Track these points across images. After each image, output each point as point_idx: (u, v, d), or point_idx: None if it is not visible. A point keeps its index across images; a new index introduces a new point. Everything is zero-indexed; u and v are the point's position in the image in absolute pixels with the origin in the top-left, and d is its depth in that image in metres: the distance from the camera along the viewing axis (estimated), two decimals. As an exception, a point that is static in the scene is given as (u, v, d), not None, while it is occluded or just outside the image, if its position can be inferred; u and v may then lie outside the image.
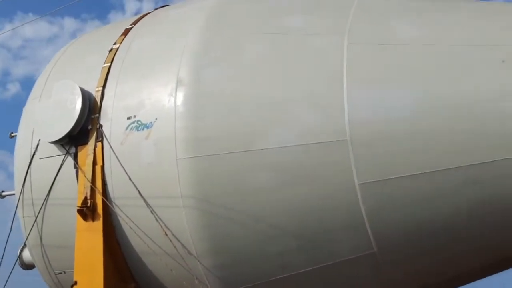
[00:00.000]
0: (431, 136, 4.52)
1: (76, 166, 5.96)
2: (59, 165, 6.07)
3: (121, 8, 47.39)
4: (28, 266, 7.37)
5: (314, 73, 5.07)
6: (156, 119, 5.54)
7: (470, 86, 4.55)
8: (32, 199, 6.31)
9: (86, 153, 5.92)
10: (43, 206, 6.15)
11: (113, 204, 5.75)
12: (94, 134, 5.94)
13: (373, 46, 4.94)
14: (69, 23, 43.11)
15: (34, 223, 6.31)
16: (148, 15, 7.08)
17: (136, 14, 7.70)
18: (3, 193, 7.93)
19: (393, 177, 4.58)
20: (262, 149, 4.99)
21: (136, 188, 5.50)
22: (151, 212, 5.46)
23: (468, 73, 4.61)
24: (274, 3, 6.00)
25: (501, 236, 4.67)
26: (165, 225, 5.42)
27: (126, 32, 6.65)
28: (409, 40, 4.90)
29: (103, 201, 5.74)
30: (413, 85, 4.72)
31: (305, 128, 4.92)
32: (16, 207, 6.54)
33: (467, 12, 5.11)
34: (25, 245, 6.91)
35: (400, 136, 4.60)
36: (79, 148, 6.01)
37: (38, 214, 6.25)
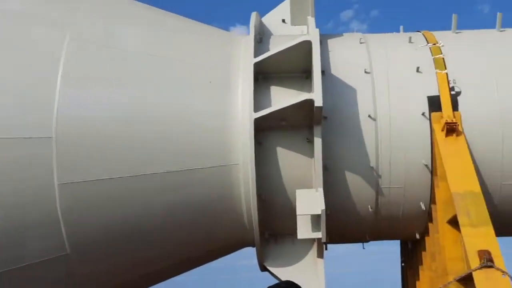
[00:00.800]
0: (134, 142, 4.75)
1: None
2: None
3: None
4: None
5: (28, 65, 4.71)
6: None
7: (177, 99, 4.95)
8: None
9: None
10: None
11: None
12: None
13: (96, 46, 4.92)
14: None
15: None
16: None
17: None
18: None
19: (94, 179, 4.63)
20: None
21: None
22: None
23: (177, 88, 5.01)
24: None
25: (191, 237, 5.17)
26: None
27: None
28: (133, 47, 5.08)
29: None
30: (126, 91, 4.88)
31: (4, 121, 4.51)
32: None
33: (189, 32, 5.59)
34: None
35: (105, 140, 4.69)
36: None
37: None
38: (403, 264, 6.73)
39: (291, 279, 4.86)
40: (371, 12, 42.16)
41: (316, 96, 4.77)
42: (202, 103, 5.02)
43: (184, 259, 5.44)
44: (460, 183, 4.85)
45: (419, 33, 6.06)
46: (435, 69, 5.57)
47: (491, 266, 4.32)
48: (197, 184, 4.93)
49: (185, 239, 5.15)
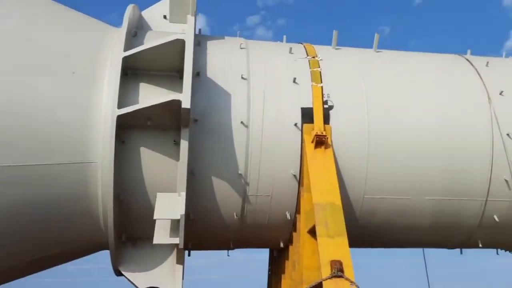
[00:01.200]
0: None
1: None
2: None
3: None
4: None
5: None
6: None
7: (31, 88, 4.55)
8: None
9: None
10: None
11: None
12: None
13: None
14: None
15: None
16: None
17: None
18: None
19: None
20: None
21: None
22: None
23: (34, 76, 4.61)
24: None
25: (39, 237, 4.77)
26: None
27: None
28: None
29: None
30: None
31: None
32: None
33: (58, 19, 5.17)
34: None
35: None
36: None
37: None
38: (269, 272, 6.81)
39: (147, 285, 4.67)
40: (278, 20, 42.85)
41: (184, 97, 4.62)
42: (61, 94, 4.65)
43: (30, 259, 4.99)
44: (323, 195, 4.94)
45: (301, 45, 6.17)
46: (311, 81, 5.69)
47: (341, 276, 4.45)
48: (50, 180, 4.56)
49: (33, 239, 4.74)
